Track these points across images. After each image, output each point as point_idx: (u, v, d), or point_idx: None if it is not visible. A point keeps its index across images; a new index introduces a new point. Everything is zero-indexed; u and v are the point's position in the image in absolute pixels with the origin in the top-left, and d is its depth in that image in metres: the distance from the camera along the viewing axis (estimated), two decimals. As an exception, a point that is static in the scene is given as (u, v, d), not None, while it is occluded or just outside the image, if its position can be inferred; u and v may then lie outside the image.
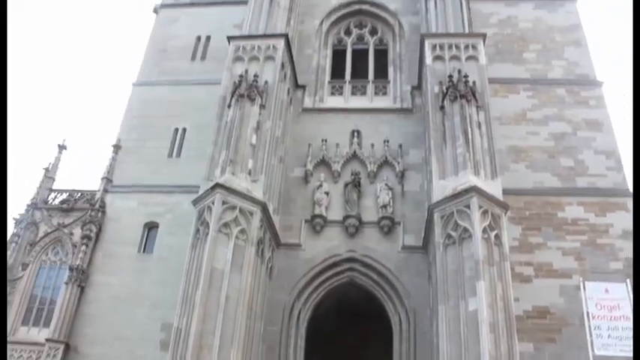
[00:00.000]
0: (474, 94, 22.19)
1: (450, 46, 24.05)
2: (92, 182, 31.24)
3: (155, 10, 33.32)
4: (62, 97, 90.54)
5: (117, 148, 27.38)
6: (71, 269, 23.83)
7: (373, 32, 30.17)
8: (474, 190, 19.25)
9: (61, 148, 28.77)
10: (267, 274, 21.66)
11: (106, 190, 26.12)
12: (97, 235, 25.02)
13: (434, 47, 24.15)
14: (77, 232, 25.24)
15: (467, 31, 25.17)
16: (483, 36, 24.87)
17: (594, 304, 20.95)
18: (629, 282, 20.80)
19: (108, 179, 26.43)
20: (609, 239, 22.72)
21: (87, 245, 24.48)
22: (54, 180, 27.78)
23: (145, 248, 24.95)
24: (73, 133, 79.37)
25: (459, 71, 22.92)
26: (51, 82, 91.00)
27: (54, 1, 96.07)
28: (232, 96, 22.89)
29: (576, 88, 27.29)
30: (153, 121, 28.02)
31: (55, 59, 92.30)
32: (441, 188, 20.35)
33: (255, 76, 23.45)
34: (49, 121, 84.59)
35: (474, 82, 22.63)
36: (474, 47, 24.08)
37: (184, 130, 27.57)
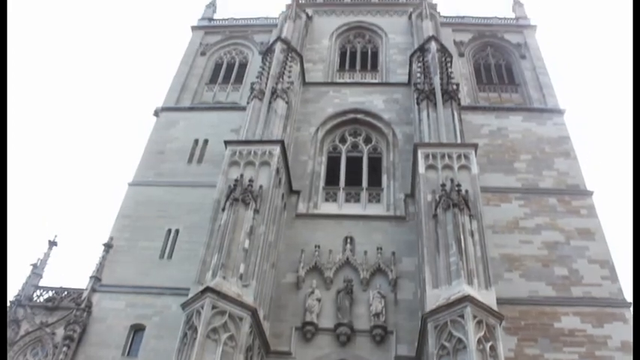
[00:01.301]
0: (466, 203, 22.45)
1: (443, 156, 24.62)
2: (81, 280, 30.67)
3: (156, 113, 34.30)
4: (55, 193, 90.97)
5: (108, 247, 27.08)
6: (49, 372, 22.85)
7: (367, 141, 31.06)
8: (467, 299, 18.95)
9: (52, 244, 28.25)
10: (254, 384, 20.83)
11: (93, 290, 25.56)
12: (81, 336, 24.12)
13: (427, 156, 24.74)
14: (60, 332, 24.30)
15: (459, 141, 25.91)
16: (475, 146, 25.53)
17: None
18: (631, 398, 20.10)
19: (97, 278, 25.93)
20: (608, 351, 22.22)
21: (69, 347, 23.51)
22: (41, 277, 27.12)
23: (129, 352, 24.01)
24: (65, 229, 79.02)
25: (452, 180, 23.35)
26: (46, 176, 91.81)
27: (53, 99, 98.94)
28: (227, 199, 23.11)
29: (567, 197, 27.88)
30: (146, 222, 28.00)
31: (51, 154, 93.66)
32: (435, 297, 20.05)
33: (251, 180, 23.79)
34: (41, 217, 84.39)
35: (466, 191, 22.99)
36: (466, 157, 24.64)
37: (177, 231, 27.47)
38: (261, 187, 23.95)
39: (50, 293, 26.46)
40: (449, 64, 30.84)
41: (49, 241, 28.34)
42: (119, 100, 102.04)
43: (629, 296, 23.76)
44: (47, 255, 27.97)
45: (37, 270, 27.23)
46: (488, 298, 19.76)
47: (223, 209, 22.94)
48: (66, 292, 26.35)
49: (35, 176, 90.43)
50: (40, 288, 26.66)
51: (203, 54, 39.34)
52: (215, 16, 43.69)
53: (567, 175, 29.00)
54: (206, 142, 31.64)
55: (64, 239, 51.69)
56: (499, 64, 37.64)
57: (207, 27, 41.96)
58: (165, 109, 34.49)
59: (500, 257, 24.96)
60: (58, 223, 77.49)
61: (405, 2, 41.93)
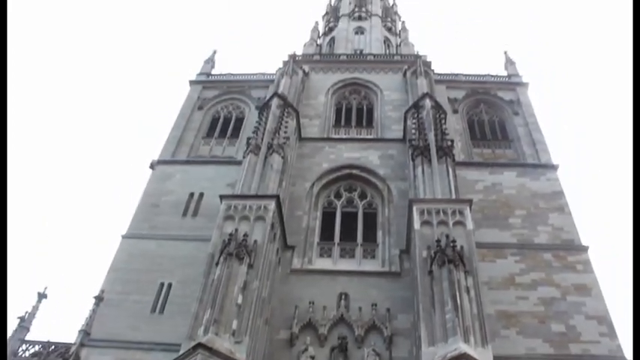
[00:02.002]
0: (461, 259, 22.31)
1: (438, 212, 24.61)
2: (70, 334, 30.03)
3: (151, 166, 34.41)
4: (46, 243, 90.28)
5: (99, 299, 26.60)
6: None
7: (363, 196, 31.02)
8: (464, 357, 18.71)
9: (41, 296, 27.77)
10: None
11: (82, 344, 24.91)
12: (66, 392, 23.56)
13: (422, 212, 24.73)
14: (44, 389, 23.77)
15: (454, 197, 25.99)
16: (470, 202, 25.61)
17: None
18: None
19: (86, 332, 25.32)
20: (607, 410, 21.82)
21: (52, 404, 22.93)
22: (28, 330, 26.55)
23: (117, 409, 23.43)
24: (55, 281, 77.98)
25: (447, 236, 23.26)
26: (37, 227, 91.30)
27: (48, 148, 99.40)
28: (221, 254, 22.97)
29: (562, 252, 27.83)
30: (139, 275, 27.65)
31: (42, 204, 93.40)
32: (431, 355, 19.69)
33: (245, 235, 23.70)
34: (31, 268, 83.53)
35: (461, 247, 22.88)
36: (461, 213, 24.66)
37: (170, 285, 27.11)
38: (255, 242, 23.84)
39: (37, 347, 25.84)
40: (443, 121, 31.27)
41: (39, 293, 27.88)
42: (114, 152, 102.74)
43: (628, 354, 23.40)
44: (36, 308, 27.46)
45: (24, 323, 26.63)
46: (485, 356, 19.45)
47: (217, 264, 22.76)
48: (53, 347, 25.75)
49: (26, 226, 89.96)
50: (26, 342, 26.03)
51: (200, 108, 39.80)
52: (213, 72, 44.51)
53: (562, 230, 29.07)
54: (201, 195, 31.61)
55: (55, 291, 50.81)
56: (492, 120, 38.22)
57: (205, 82, 42.60)
58: (161, 162, 34.63)
59: (496, 314, 24.67)
60: (49, 274, 76.59)
61: (399, 60, 42.93)
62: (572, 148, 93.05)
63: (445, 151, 28.32)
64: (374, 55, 44.81)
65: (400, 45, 51.33)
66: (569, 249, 28.03)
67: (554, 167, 33.01)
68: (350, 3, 57.27)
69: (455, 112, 37.86)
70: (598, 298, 25.69)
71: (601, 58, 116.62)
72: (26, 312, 27.06)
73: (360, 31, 52.54)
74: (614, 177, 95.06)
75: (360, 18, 54.21)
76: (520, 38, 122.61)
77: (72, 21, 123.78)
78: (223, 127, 38.39)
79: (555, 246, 28.21)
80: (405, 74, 39.92)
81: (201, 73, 43.70)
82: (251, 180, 27.20)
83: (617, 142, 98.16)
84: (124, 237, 30.02)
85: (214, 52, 46.60)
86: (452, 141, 29.86)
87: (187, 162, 34.83)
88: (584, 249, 28.03)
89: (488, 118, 38.36)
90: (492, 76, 42.24)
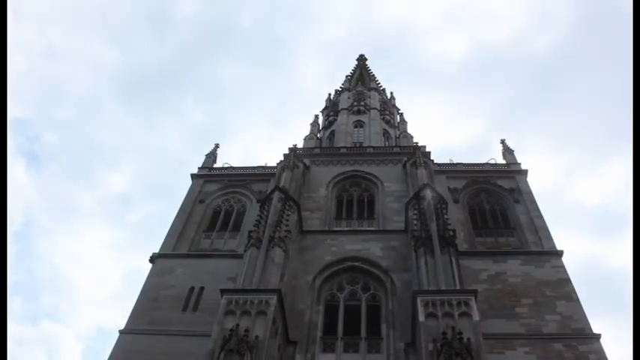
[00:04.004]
0: (469, 352, 21.63)
1: (442, 303, 24.08)
2: None
3: (151, 260, 34.24)
4: (38, 339, 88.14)
5: (94, 401, 25.76)
6: None
7: (366, 289, 30.47)
8: None
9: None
10: None
11: None
12: None
13: (426, 304, 24.19)
14: None
15: (458, 287, 25.53)
16: (475, 292, 25.12)
17: None
18: None
19: None
20: None
21: None
22: None
23: None
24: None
25: (453, 328, 22.66)
26: (26, 322, 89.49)
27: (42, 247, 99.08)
28: (221, 350, 22.31)
29: (573, 342, 26.98)
30: (135, 373, 26.81)
31: (37, 299, 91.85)
32: None
33: (246, 330, 23.12)
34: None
35: (468, 339, 22.21)
36: (466, 303, 24.11)
37: (168, 383, 26.25)
38: (257, 337, 23.18)
39: None
40: (444, 211, 31.31)
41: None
42: (113, 246, 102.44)
43: None
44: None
45: None
46: None
47: (217, 361, 22.10)
48: None
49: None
50: None
51: (202, 202, 40.11)
52: (215, 165, 45.25)
53: (571, 318, 28.33)
54: (202, 289, 31.21)
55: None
56: (494, 208, 38.26)
57: (207, 175, 43.31)
58: (161, 255, 34.50)
59: (508, 412, 23.69)
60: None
61: (399, 152, 43.70)
62: (577, 232, 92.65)
63: (448, 242, 28.16)
64: (373, 148, 45.56)
65: (399, 137, 52.45)
66: (581, 338, 27.19)
67: (558, 254, 32.67)
68: (349, 98, 59.17)
69: (456, 201, 38.00)
70: (615, 389, 24.80)
71: (599, 139, 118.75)
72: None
73: (359, 124, 53.86)
74: (621, 260, 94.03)
75: (359, 112, 55.71)
76: (516, 124, 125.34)
77: (70, 109, 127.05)
78: (224, 220, 38.48)
79: (565, 335, 27.38)
80: (404, 165, 40.46)
81: (203, 167, 44.42)
82: (252, 274, 26.84)
83: (622, 221, 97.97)
84: (121, 332, 29.39)
85: (216, 146, 47.69)
86: (454, 231, 29.74)
87: (188, 256, 34.66)
88: (596, 337, 27.17)
89: (490, 206, 38.44)
90: (491, 164, 42.75)
